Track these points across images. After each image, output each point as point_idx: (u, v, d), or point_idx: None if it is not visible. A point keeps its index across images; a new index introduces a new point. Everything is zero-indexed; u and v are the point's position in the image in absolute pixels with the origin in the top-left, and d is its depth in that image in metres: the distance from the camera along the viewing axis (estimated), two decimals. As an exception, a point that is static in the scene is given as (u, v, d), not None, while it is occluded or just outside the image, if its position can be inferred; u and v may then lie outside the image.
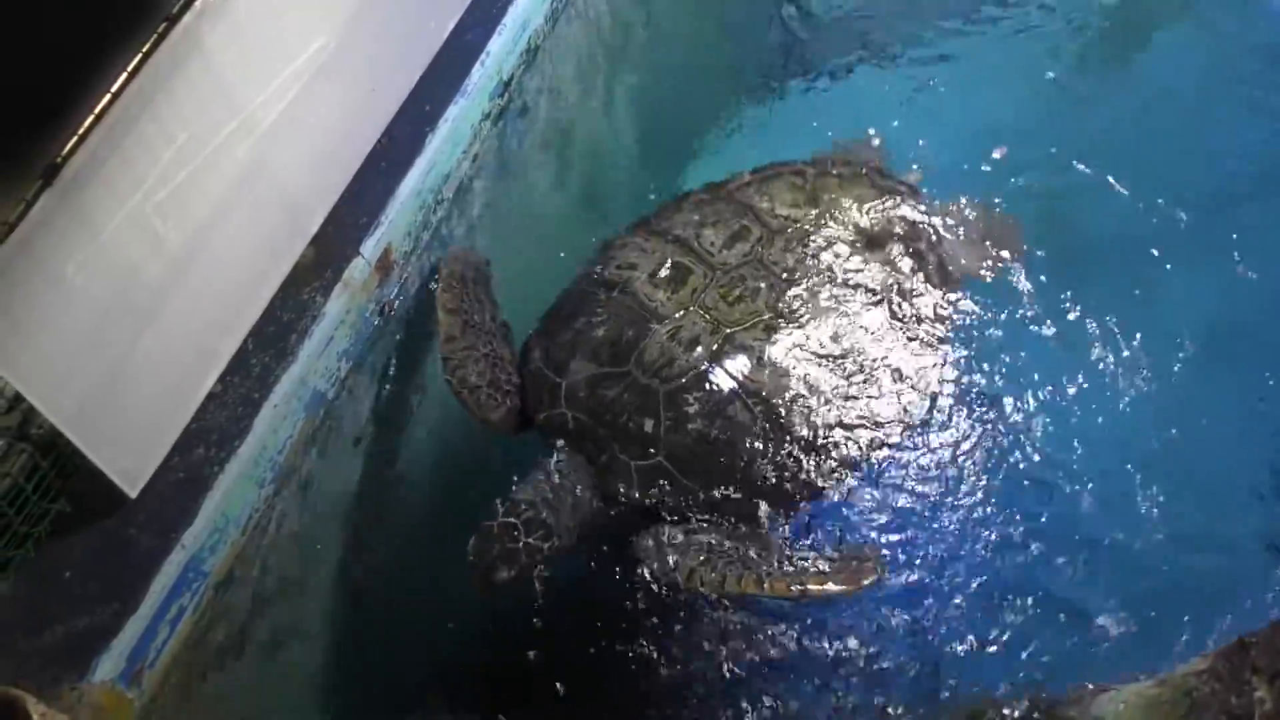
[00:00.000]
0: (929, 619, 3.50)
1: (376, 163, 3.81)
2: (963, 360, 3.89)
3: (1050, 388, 3.90)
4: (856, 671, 3.42)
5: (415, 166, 3.85)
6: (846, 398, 3.66)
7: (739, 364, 3.59)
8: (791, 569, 3.29)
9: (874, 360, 3.75)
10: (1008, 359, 3.92)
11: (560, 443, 3.61)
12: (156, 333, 2.97)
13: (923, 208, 4.23)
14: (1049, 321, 4.04)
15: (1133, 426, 3.81)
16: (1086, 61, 5.24)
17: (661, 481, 3.50)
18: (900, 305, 3.89)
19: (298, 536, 3.60)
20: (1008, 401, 3.83)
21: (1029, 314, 4.06)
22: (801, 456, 3.55)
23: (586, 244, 4.97)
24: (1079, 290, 4.12)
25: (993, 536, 3.60)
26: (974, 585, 3.53)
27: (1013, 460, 3.73)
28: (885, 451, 3.67)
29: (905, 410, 3.72)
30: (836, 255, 3.96)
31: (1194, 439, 3.75)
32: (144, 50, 2.73)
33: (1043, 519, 3.63)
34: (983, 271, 4.14)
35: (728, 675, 3.44)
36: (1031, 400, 3.87)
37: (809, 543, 3.54)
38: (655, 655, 3.47)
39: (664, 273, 3.85)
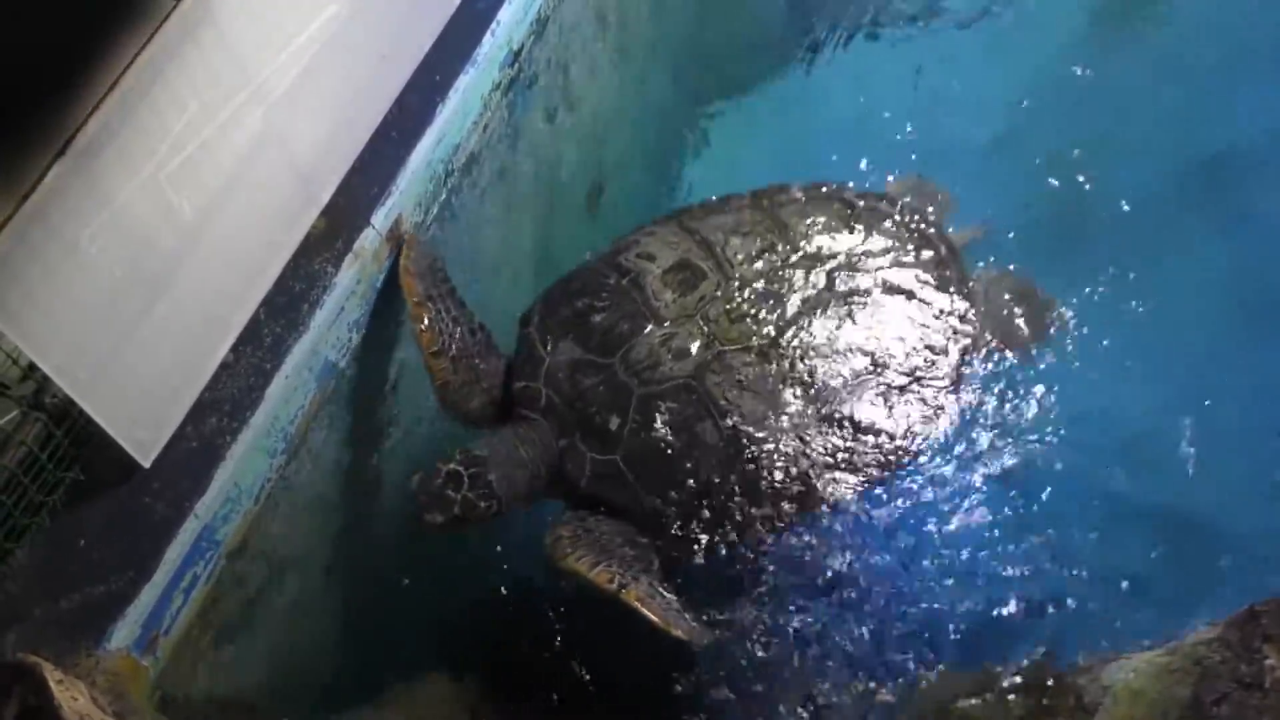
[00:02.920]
0: (936, 589, 3.51)
1: (387, 132, 3.80)
2: (959, 412, 3.80)
3: (1060, 366, 3.89)
4: (862, 643, 3.44)
5: (426, 136, 3.84)
6: (821, 443, 3.58)
7: (721, 384, 3.54)
8: (635, 580, 3.24)
9: (860, 412, 3.64)
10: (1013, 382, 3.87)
11: (529, 414, 3.62)
12: (169, 302, 2.97)
13: (959, 272, 4.07)
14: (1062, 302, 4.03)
15: (1144, 397, 3.81)
16: (1097, 28, 5.20)
17: (611, 479, 3.50)
18: (904, 363, 3.76)
19: (310, 506, 3.61)
20: (1014, 405, 3.81)
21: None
22: (757, 490, 3.50)
23: (595, 217, 4.97)
24: (1093, 267, 4.11)
25: (1000, 510, 3.61)
26: (982, 556, 3.54)
27: (1020, 439, 3.73)
28: (847, 496, 3.59)
29: (878, 464, 3.62)
30: (856, 299, 3.85)
31: (1205, 410, 3.75)
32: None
33: (1050, 491, 3.64)
34: (1006, 347, 3.96)
35: (732, 650, 3.45)
36: (1040, 382, 3.86)
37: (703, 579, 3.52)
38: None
39: (678, 273, 3.81)
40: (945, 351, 3.83)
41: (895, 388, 3.71)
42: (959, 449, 3.69)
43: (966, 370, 3.84)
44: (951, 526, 3.57)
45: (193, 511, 3.04)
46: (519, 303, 4.00)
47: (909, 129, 4.80)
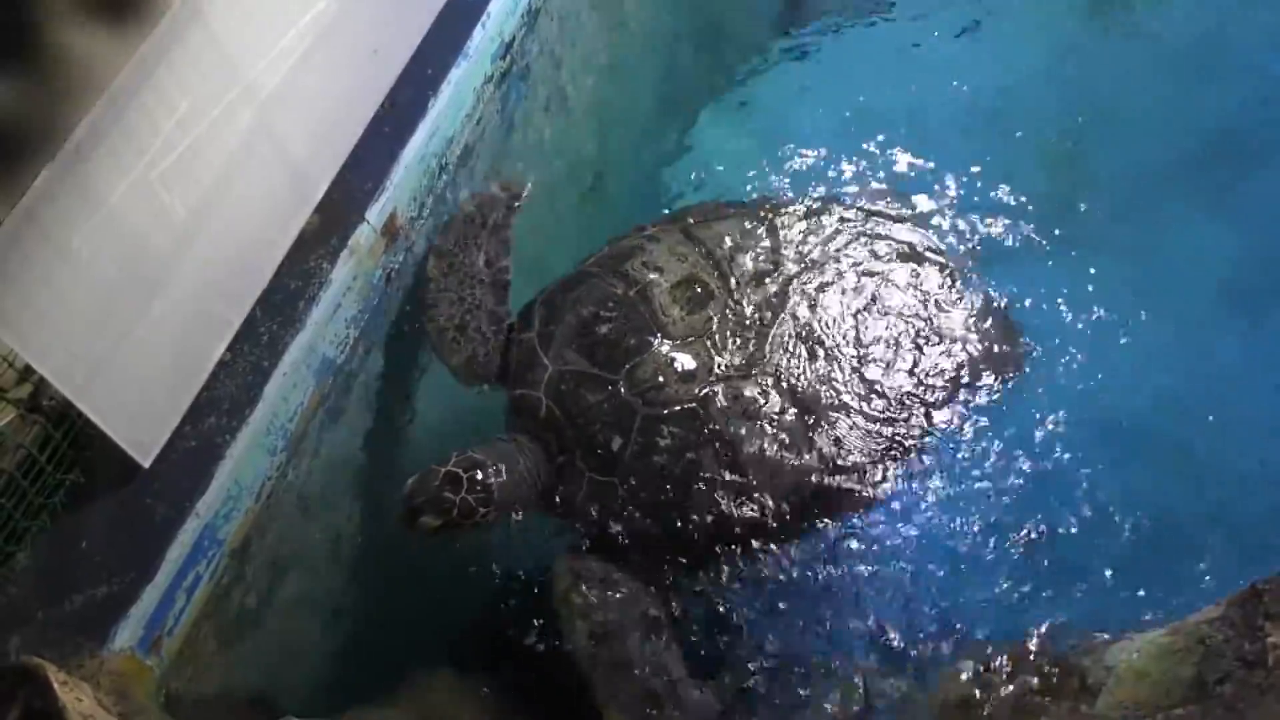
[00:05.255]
0: (940, 572, 3.51)
1: (380, 128, 3.79)
2: (958, 415, 3.77)
3: (1059, 351, 3.89)
4: (863, 627, 3.43)
5: (418, 131, 3.83)
6: (823, 467, 3.54)
7: (724, 411, 3.49)
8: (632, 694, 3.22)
9: (861, 436, 3.61)
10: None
11: (526, 423, 3.60)
12: (165, 302, 2.97)
13: (956, 292, 4.02)
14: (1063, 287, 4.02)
15: (1148, 377, 3.80)
16: (1088, 13, 5.18)
17: (609, 501, 3.46)
18: (904, 382, 3.73)
19: (311, 503, 3.62)
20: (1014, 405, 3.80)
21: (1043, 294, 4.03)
22: (758, 516, 3.46)
23: (590, 208, 4.96)
24: (1090, 249, 4.10)
25: (1002, 498, 3.60)
26: (984, 543, 3.54)
27: (1019, 428, 3.72)
28: (849, 513, 3.58)
29: (880, 482, 3.60)
30: (857, 321, 3.82)
31: (1208, 388, 3.75)
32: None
33: (1052, 477, 3.63)
34: (994, 372, 3.89)
35: (737, 644, 3.45)
36: (1039, 369, 3.87)
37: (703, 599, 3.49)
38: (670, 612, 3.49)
39: (685, 289, 3.75)
40: (946, 367, 3.81)
41: (896, 406, 3.69)
42: (959, 450, 3.67)
43: (966, 381, 3.82)
44: (953, 517, 3.56)
45: (194, 511, 3.05)
46: (515, 294, 3.99)
47: (902, 117, 4.77)
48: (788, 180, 4.57)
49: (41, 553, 2.92)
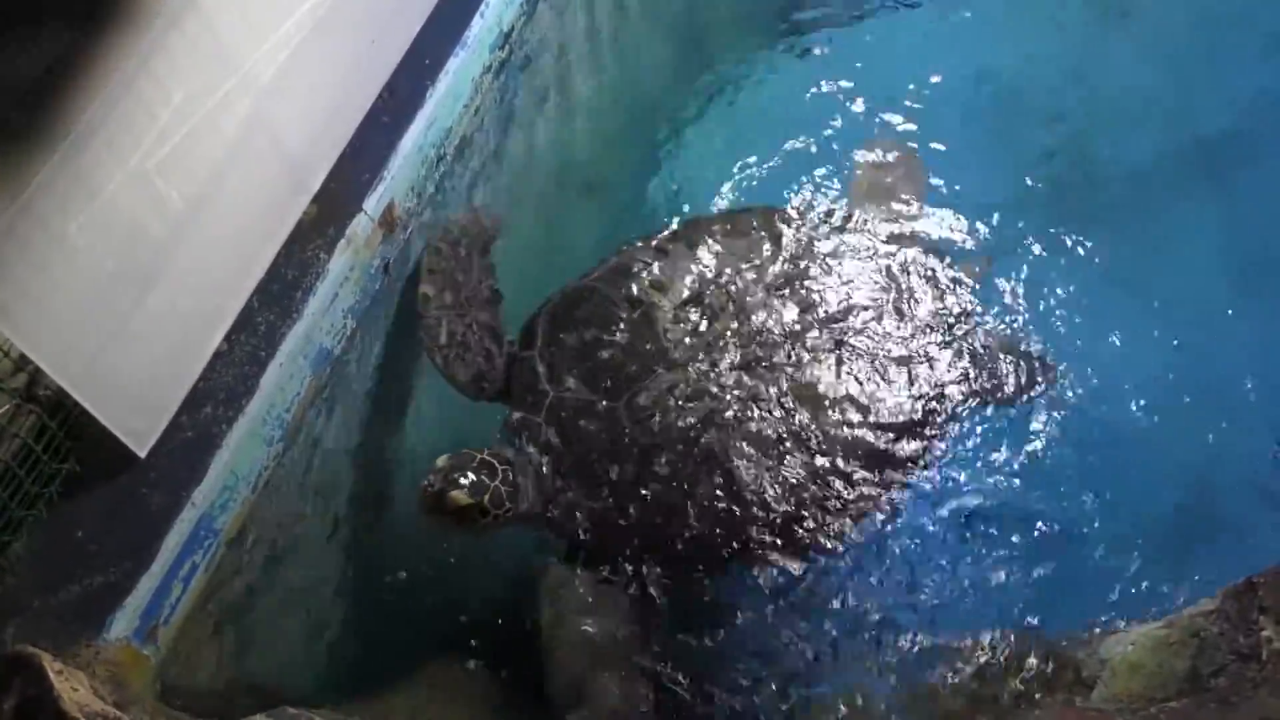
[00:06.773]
0: (936, 568, 3.51)
1: (378, 118, 3.78)
2: (960, 415, 3.74)
3: (1060, 346, 3.88)
4: (860, 626, 3.43)
5: (417, 121, 3.82)
6: (823, 494, 3.49)
7: (725, 439, 3.47)
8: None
9: (862, 461, 3.54)
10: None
11: (526, 447, 3.58)
12: (161, 292, 2.96)
13: (966, 314, 3.94)
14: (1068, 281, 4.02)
15: (1143, 373, 3.80)
16: (1088, 6, 5.17)
17: (603, 527, 3.45)
18: (909, 403, 3.67)
19: (308, 493, 3.62)
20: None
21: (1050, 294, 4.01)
22: (753, 543, 3.44)
23: (591, 202, 4.94)
24: (1098, 241, 4.09)
25: (998, 489, 3.59)
26: (982, 534, 3.54)
27: (1018, 421, 3.72)
28: (847, 530, 3.52)
29: (881, 497, 3.55)
30: (868, 338, 3.76)
31: (1204, 384, 3.74)
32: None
33: (1046, 471, 3.62)
34: (1006, 385, 3.83)
35: (735, 647, 3.45)
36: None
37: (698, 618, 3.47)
38: (669, 608, 3.49)
39: (689, 308, 3.73)
40: (954, 380, 3.75)
41: (902, 424, 3.64)
42: (957, 448, 3.66)
43: (975, 392, 3.77)
44: (951, 514, 3.54)
45: (190, 500, 3.05)
46: (514, 287, 3.99)
47: (909, 116, 4.74)
48: (794, 184, 4.52)
49: (37, 542, 2.92)
